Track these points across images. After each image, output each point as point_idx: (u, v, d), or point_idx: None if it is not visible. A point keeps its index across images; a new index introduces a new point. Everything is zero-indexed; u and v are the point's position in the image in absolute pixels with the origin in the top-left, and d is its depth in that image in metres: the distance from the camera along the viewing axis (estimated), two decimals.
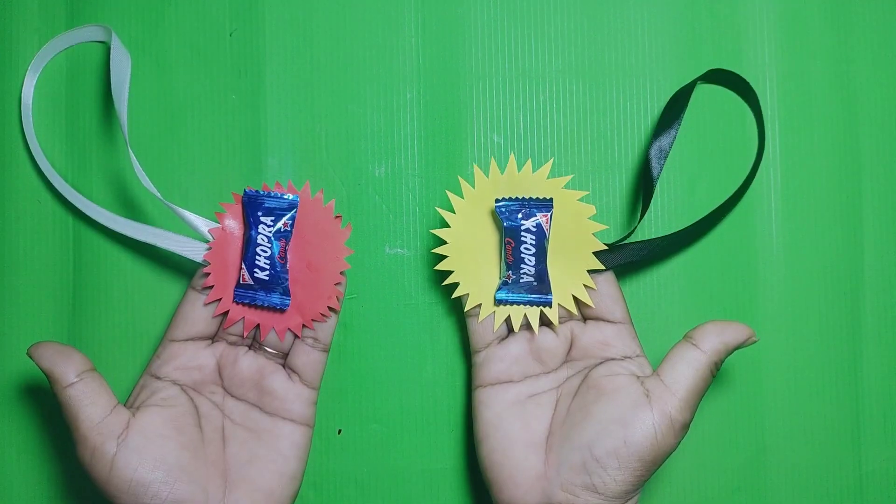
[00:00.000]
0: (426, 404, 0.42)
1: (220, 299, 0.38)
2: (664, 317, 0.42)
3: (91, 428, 0.35)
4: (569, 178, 0.38)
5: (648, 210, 0.42)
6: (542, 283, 0.38)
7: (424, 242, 0.42)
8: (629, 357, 0.37)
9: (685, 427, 0.35)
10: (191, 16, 0.42)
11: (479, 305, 0.38)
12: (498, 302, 0.38)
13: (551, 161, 0.38)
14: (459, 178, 0.39)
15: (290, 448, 0.38)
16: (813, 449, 0.42)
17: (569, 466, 0.35)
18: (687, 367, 0.36)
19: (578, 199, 0.38)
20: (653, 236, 0.41)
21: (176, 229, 0.39)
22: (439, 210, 0.39)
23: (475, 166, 0.39)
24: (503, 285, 0.38)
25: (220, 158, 0.42)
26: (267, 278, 0.38)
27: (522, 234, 0.37)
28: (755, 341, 0.37)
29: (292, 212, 0.38)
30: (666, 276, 0.42)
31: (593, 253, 0.38)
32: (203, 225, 0.38)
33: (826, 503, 0.42)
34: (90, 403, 0.35)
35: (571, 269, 0.38)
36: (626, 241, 0.39)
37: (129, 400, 0.38)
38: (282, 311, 0.38)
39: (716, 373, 0.36)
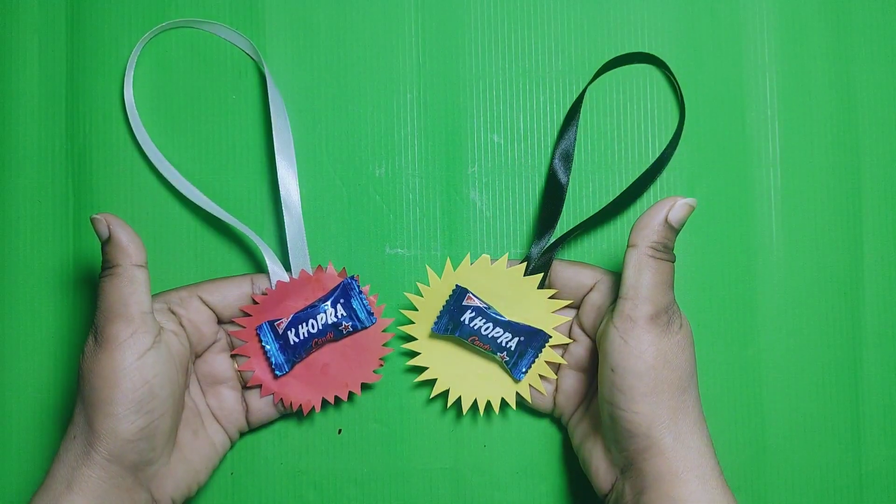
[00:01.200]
0: (426, 405, 0.42)
1: (252, 316, 0.39)
2: None
3: (142, 313, 0.34)
4: (484, 257, 0.39)
5: (644, 205, 0.42)
6: (526, 332, 0.38)
7: (424, 243, 0.42)
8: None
9: (652, 318, 0.34)
10: (191, 16, 0.42)
11: (510, 398, 0.40)
12: (518, 379, 0.39)
13: (468, 256, 0.39)
14: (402, 310, 0.40)
15: (221, 444, 0.39)
16: (813, 449, 0.42)
17: (605, 428, 0.36)
18: (628, 268, 0.35)
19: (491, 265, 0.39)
20: None
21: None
22: (406, 346, 0.40)
23: (408, 295, 0.40)
24: (511, 367, 0.39)
25: (219, 159, 0.42)
26: (290, 344, 0.38)
27: (472, 324, 0.38)
28: (686, 204, 0.34)
29: (359, 325, 0.39)
30: None
31: (530, 280, 0.39)
32: (299, 257, 0.39)
33: (826, 503, 0.42)
34: (147, 292, 0.35)
35: (534, 306, 0.39)
36: (549, 244, 0.39)
37: None
38: (273, 372, 0.39)
39: (665, 257, 0.35)
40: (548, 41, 0.42)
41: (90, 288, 0.42)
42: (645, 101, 0.42)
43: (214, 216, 0.40)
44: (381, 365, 0.40)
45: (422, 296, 0.39)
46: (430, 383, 0.41)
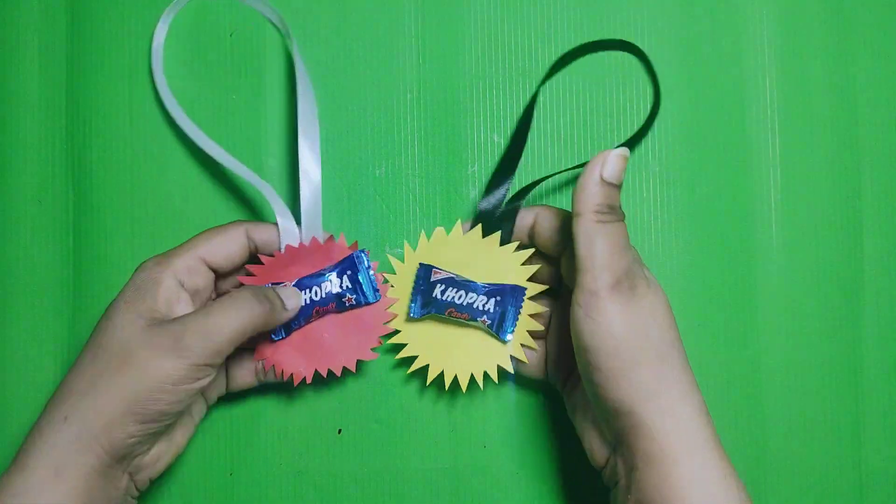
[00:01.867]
0: (426, 404, 0.42)
1: (255, 276, 0.38)
2: None
3: (208, 365, 0.34)
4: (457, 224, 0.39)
5: (645, 205, 0.42)
6: (501, 291, 0.38)
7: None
8: None
9: (614, 287, 0.32)
10: (191, 16, 0.42)
11: (495, 370, 0.39)
12: (506, 340, 0.38)
13: (423, 234, 0.39)
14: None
15: (199, 413, 0.38)
16: (813, 449, 0.42)
17: (593, 406, 0.35)
18: (578, 240, 0.33)
19: (464, 234, 0.39)
20: (653, 236, 0.42)
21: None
22: (391, 330, 0.40)
23: (383, 274, 0.39)
24: (496, 329, 0.38)
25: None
26: None
27: (445, 297, 0.38)
28: (618, 155, 0.32)
29: (363, 300, 0.39)
30: (665, 277, 0.42)
31: (491, 240, 0.38)
32: (312, 224, 0.38)
33: (826, 503, 0.42)
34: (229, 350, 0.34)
35: (502, 264, 0.38)
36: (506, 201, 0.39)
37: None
38: (270, 335, 0.39)
39: (613, 218, 0.33)
40: (548, 41, 0.42)
41: (90, 288, 0.42)
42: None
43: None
44: (380, 344, 0.39)
45: (392, 286, 0.39)
46: (424, 372, 0.41)
